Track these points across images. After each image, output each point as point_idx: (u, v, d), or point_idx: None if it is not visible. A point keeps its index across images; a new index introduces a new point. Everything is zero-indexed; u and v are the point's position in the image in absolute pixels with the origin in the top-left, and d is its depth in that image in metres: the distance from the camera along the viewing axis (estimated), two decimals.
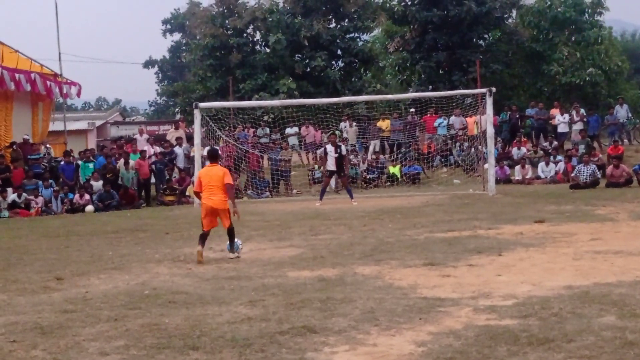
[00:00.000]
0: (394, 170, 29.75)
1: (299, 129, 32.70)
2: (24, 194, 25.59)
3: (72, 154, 29.11)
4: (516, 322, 7.76)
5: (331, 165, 23.56)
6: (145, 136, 33.57)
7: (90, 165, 27.63)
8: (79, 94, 36.09)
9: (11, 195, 25.46)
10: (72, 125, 43.82)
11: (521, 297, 8.93)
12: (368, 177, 29.65)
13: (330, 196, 24.96)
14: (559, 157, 28.55)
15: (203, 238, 13.22)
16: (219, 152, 14.87)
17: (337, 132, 30.67)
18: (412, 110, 32.73)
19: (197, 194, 13.84)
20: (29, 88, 30.08)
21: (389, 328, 7.80)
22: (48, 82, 31.95)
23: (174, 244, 15.37)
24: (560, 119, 31.55)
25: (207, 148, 17.39)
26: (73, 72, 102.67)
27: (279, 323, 8.11)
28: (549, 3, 43.83)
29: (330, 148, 23.55)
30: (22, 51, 32.01)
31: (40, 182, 26.54)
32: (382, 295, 9.38)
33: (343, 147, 24.33)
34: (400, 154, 31.23)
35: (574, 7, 43.37)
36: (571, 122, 31.31)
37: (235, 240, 13.86)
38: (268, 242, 15.15)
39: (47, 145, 31.84)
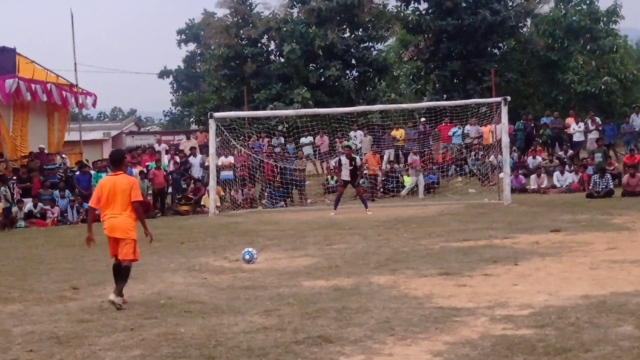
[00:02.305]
0: (409, 179, 29.65)
1: (314, 139, 32.72)
2: (40, 204, 25.70)
3: (88, 164, 29.23)
4: (533, 332, 7.73)
5: (345, 175, 23.63)
6: (164, 146, 33.71)
7: (103, 175, 27.67)
8: (94, 104, 36.28)
9: (27, 205, 25.57)
10: (88, 136, 44.07)
11: (538, 307, 8.90)
12: (388, 186, 29.52)
13: (344, 206, 24.95)
14: (574, 166, 28.43)
15: (115, 274, 10.46)
16: (125, 155, 11.52)
17: (350, 142, 30.77)
18: (423, 119, 32.68)
19: (92, 211, 10.85)
20: (45, 98, 30.28)
21: (404, 338, 7.79)
22: (64, 93, 32.15)
23: (189, 254, 15.39)
24: (575, 128, 31.42)
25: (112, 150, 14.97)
26: (89, 83, 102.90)
27: (295, 333, 8.11)
28: (563, 12, 43.69)
29: (344, 160, 23.61)
30: (38, 62, 32.25)
31: (56, 192, 26.64)
32: (397, 304, 9.37)
33: (358, 159, 24.40)
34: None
35: (589, 15, 43.18)
36: (587, 131, 31.16)
37: (251, 250, 13.85)
38: (283, 252, 15.15)
39: (63, 156, 31.99)
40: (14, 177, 26.96)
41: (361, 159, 26.28)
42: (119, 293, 10.07)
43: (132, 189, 10.32)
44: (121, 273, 10.31)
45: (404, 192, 28.37)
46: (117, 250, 10.42)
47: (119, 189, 10.30)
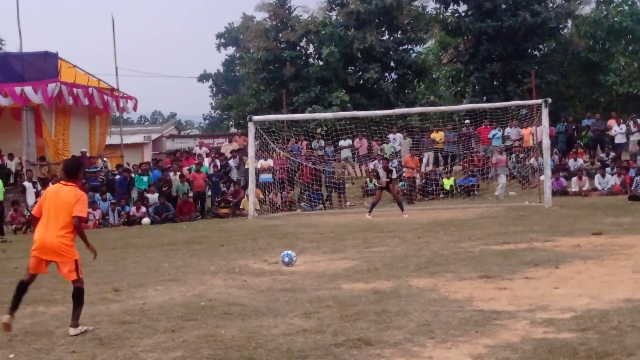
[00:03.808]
0: (448, 182, 29.44)
1: (352, 141, 32.71)
2: None
3: (128, 167, 29.52)
4: (574, 336, 7.66)
5: (382, 183, 23.77)
6: (205, 149, 33.91)
7: (145, 178, 27.92)
8: (135, 108, 36.69)
9: None
10: (129, 139, 44.45)
11: (579, 310, 8.82)
12: (427, 189, 29.34)
13: (383, 208, 24.90)
14: (616, 169, 28.10)
15: (19, 293, 9.21)
16: (81, 165, 10.09)
17: (388, 145, 30.78)
18: (467, 121, 32.46)
19: (34, 220, 9.44)
20: (86, 102, 30.64)
21: (444, 341, 7.76)
22: (105, 97, 32.52)
23: (229, 256, 15.46)
24: (617, 130, 31.06)
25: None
26: (129, 87, 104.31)
27: (334, 335, 8.11)
28: (605, 13, 43.28)
29: (382, 172, 23.73)
30: (80, 66, 32.63)
31: (97, 195, 26.91)
32: (437, 307, 9.33)
33: (394, 172, 24.57)
34: (454, 165, 31.09)
35: (631, 16, 42.74)
36: (629, 133, 30.80)
37: (290, 252, 13.88)
38: (322, 255, 15.16)
39: (104, 159, 32.32)
40: (57, 181, 27.23)
41: (399, 162, 26.23)
42: (77, 322, 8.97)
43: (78, 203, 9.13)
44: (74, 296, 9.17)
45: (500, 195, 27.79)
46: (38, 269, 9.24)
47: (61, 200, 9.11)
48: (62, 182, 9.43)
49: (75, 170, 9.50)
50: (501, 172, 27.83)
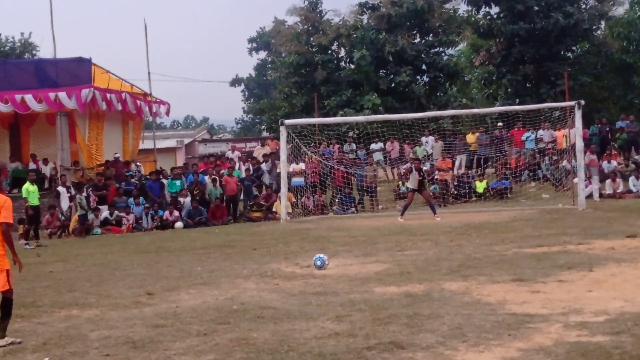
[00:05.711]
0: (481, 185, 29.29)
1: (384, 145, 32.66)
2: (116, 212, 26.21)
3: (162, 172, 29.70)
4: (608, 339, 7.61)
5: (413, 184, 23.74)
6: (237, 153, 34.03)
7: (178, 183, 28.06)
8: (168, 113, 36.89)
9: (104, 213, 26.09)
10: (162, 144, 44.81)
11: (613, 313, 8.75)
12: (460, 192, 29.19)
13: (415, 211, 24.85)
14: None
15: None
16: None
17: (421, 148, 30.72)
18: (500, 124, 32.23)
19: None
20: (119, 107, 30.86)
21: (477, 344, 7.74)
22: (138, 102, 32.74)
23: (261, 260, 15.50)
24: None
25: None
26: (162, 91, 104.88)
27: (366, 338, 8.12)
28: (639, 14, 42.82)
29: (414, 172, 23.75)
30: (113, 72, 32.89)
31: (131, 200, 27.11)
32: (470, 311, 9.30)
33: (422, 170, 24.70)
34: (487, 167, 30.92)
35: None
36: None
37: (322, 256, 13.89)
38: (354, 258, 15.15)
39: (138, 163, 32.55)
40: (91, 186, 27.49)
41: (431, 164, 26.23)
42: (4, 334, 8.85)
43: (2, 209, 8.87)
44: (2, 307, 8.94)
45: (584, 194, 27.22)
46: None
47: None
48: None
49: None
50: (594, 173, 27.30)
